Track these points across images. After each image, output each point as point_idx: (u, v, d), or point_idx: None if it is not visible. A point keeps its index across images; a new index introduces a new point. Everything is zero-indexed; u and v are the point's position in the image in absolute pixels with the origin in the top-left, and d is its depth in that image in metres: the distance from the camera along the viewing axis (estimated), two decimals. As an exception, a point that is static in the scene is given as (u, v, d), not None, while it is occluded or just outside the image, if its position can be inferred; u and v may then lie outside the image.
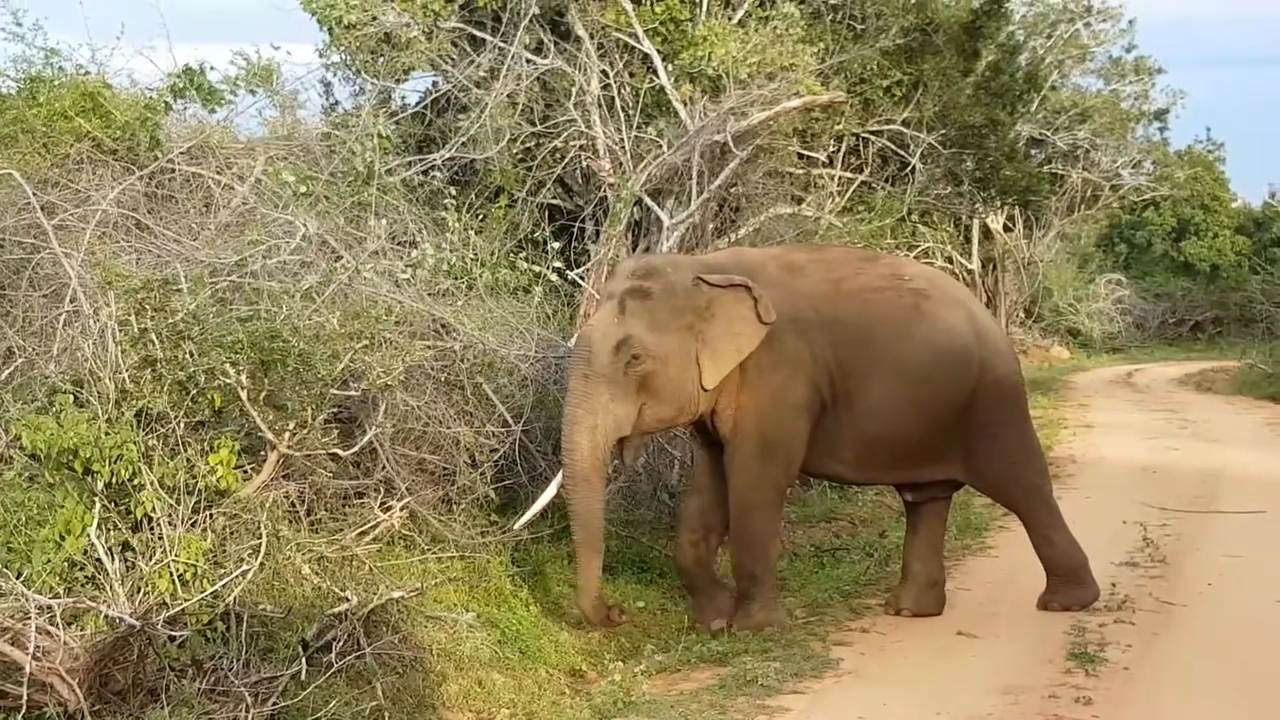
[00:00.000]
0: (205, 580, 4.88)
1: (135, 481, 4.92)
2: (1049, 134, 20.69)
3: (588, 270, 9.27)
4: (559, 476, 6.30)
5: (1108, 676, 5.50)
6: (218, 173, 7.51)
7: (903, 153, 12.87)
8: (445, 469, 6.62)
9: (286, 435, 5.49)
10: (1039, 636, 6.12)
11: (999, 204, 16.71)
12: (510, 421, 7.17)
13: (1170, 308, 31.15)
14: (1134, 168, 24.91)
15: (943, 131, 12.47)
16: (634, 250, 9.78)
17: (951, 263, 17.73)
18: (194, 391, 5.24)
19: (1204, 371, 22.12)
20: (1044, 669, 5.60)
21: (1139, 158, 25.21)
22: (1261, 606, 6.62)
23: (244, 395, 5.31)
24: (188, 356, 5.26)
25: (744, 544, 6.33)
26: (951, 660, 5.81)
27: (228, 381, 5.28)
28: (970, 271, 19.39)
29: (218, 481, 5.10)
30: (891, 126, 12.37)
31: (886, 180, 13.03)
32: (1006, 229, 20.80)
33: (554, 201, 10.68)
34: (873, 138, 12.56)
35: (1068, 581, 6.60)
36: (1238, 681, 5.41)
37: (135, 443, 4.93)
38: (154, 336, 5.26)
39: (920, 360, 6.35)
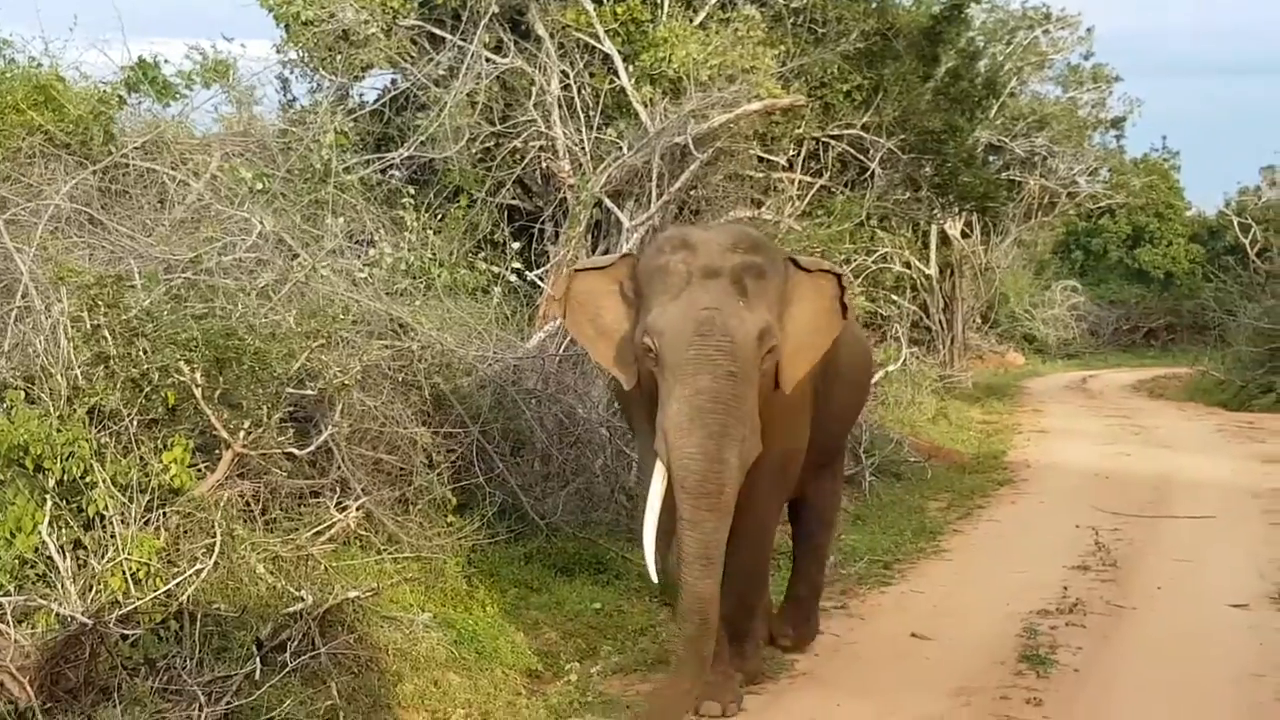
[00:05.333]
0: (158, 579, 4.82)
1: (87, 479, 4.86)
2: (1007, 140, 20.84)
3: (547, 271, 9.27)
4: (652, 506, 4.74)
5: (1058, 678, 5.53)
6: (172, 168, 7.46)
7: (862, 157, 12.95)
8: (402, 469, 6.59)
9: (241, 434, 5.44)
10: (991, 639, 6.15)
11: (957, 210, 16.84)
12: (468, 422, 7.15)
13: (1124, 314, 31.55)
14: (1090, 175, 25.10)
15: (902, 137, 12.57)
16: (594, 252, 9.76)
17: (909, 268, 17.85)
18: (147, 389, 5.18)
19: (1157, 378, 22.39)
20: (996, 671, 5.63)
21: (1095, 165, 25.42)
22: (1210, 610, 6.68)
23: (198, 393, 5.26)
24: (141, 354, 5.20)
25: (757, 577, 5.41)
26: (905, 662, 5.83)
27: (182, 379, 5.22)
28: (928, 277, 19.51)
29: (171, 480, 5.05)
30: (851, 131, 12.44)
31: (846, 185, 13.11)
32: (964, 235, 20.90)
33: (514, 202, 10.68)
34: (833, 142, 12.63)
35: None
36: (1186, 683, 5.44)
37: (87, 440, 4.88)
38: (107, 333, 5.20)
39: (862, 354, 6.24)
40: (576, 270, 5.16)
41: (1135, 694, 5.35)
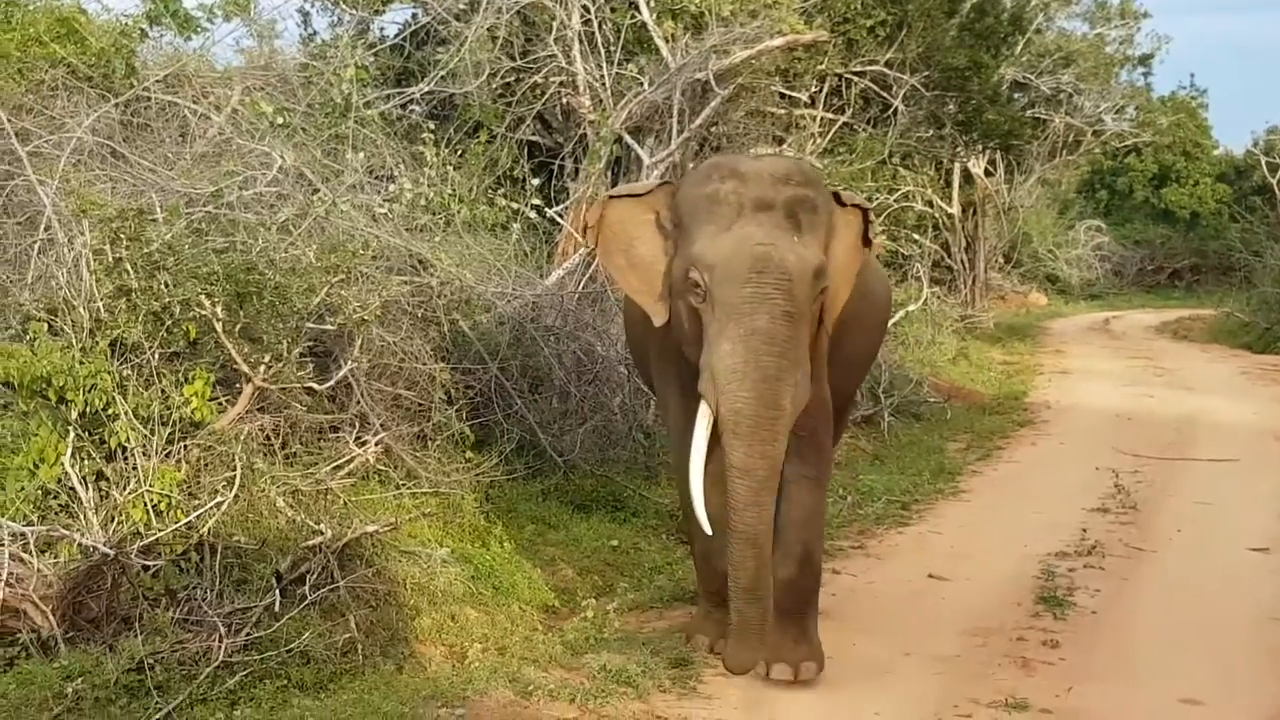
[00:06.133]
0: (179, 511, 4.88)
1: (109, 411, 4.91)
2: (1033, 78, 20.57)
3: (566, 208, 9.23)
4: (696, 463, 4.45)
5: (1075, 620, 5.55)
6: (194, 102, 7.44)
7: (885, 94, 12.83)
8: (420, 405, 6.61)
9: (262, 368, 5.47)
10: (1009, 580, 6.16)
11: (981, 148, 16.69)
12: (486, 359, 7.17)
13: (1149, 255, 31.25)
14: (1117, 113, 24.79)
15: (925, 74, 12.44)
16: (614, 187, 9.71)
17: (932, 206, 17.73)
18: (169, 322, 5.20)
19: (1181, 319, 22.23)
20: (1012, 612, 5.65)
21: (1122, 103, 25.10)
22: (1229, 553, 6.69)
23: (219, 327, 5.28)
24: (163, 287, 5.22)
25: (813, 555, 4.91)
26: (922, 602, 5.86)
27: (203, 313, 5.25)
28: (950, 216, 19.39)
29: (192, 413, 5.10)
30: (874, 68, 12.32)
31: (868, 122, 13.00)
32: (987, 174, 20.73)
33: (534, 138, 10.62)
34: (855, 79, 12.51)
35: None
36: (1203, 627, 5.46)
37: (109, 372, 4.92)
38: (129, 266, 5.21)
39: (882, 296, 5.81)
40: (610, 197, 4.85)
41: (1152, 637, 5.37)
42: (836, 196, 4.67)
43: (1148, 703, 4.64)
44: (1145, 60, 25.42)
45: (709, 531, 4.47)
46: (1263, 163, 28.34)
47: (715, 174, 4.51)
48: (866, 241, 4.78)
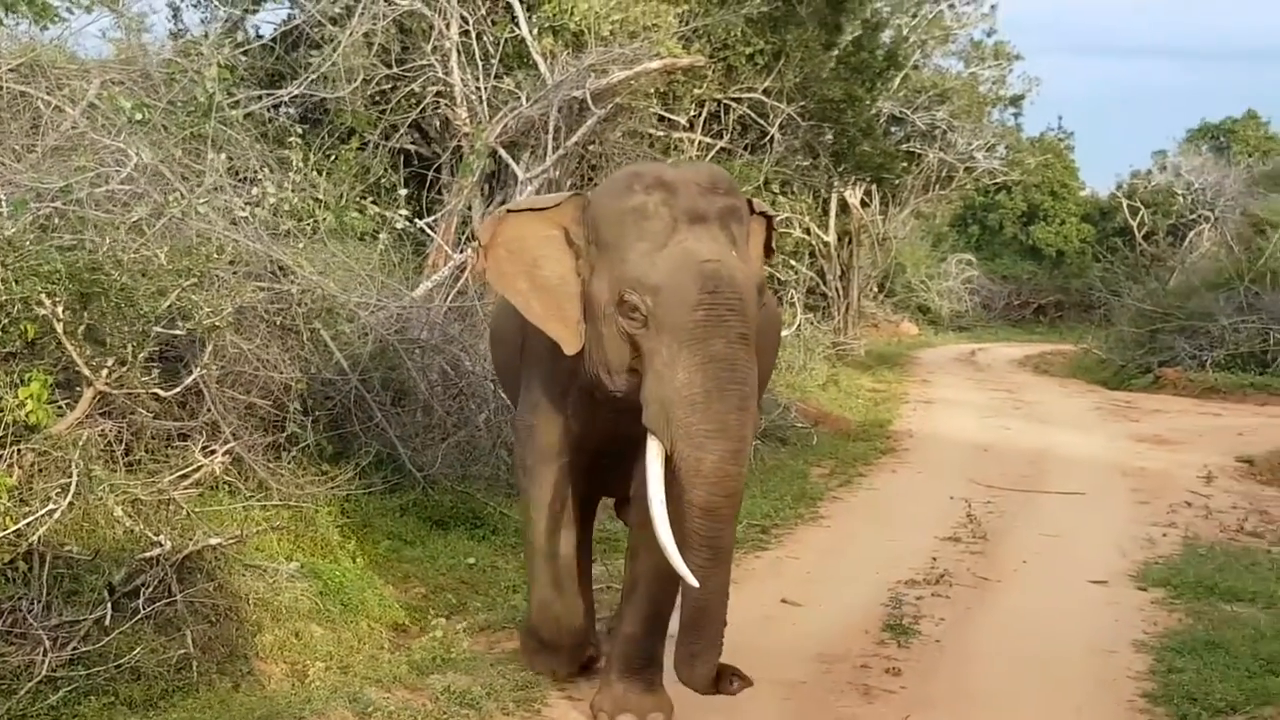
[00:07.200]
0: (8, 518, 4.66)
1: (-63, 412, 4.69)
2: (909, 112, 21.02)
3: (438, 219, 9.13)
4: (654, 489, 3.96)
5: (919, 649, 5.60)
6: (48, 94, 7.17)
7: (762, 122, 12.95)
8: (276, 415, 6.45)
9: (105, 371, 5.29)
10: (858, 607, 6.20)
11: (854, 179, 16.97)
12: (348, 370, 7.03)
13: (1016, 290, 32.19)
14: (988, 151, 25.46)
15: (802, 104, 12.59)
16: (488, 204, 9.62)
17: (809, 234, 17.96)
18: (5, 321, 4.99)
19: (1043, 354, 22.89)
20: (859, 639, 5.68)
21: (993, 141, 25.77)
22: (1070, 585, 6.81)
23: (59, 328, 5.08)
24: (0, 284, 5.01)
25: (663, 614, 4.63)
26: (772, 627, 5.85)
27: (43, 312, 5.04)
28: (826, 244, 19.66)
29: (27, 416, 4.88)
30: (753, 95, 12.44)
31: (746, 148, 13.12)
32: (864, 204, 21.11)
33: (412, 147, 10.49)
34: (734, 105, 12.60)
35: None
36: (1039, 657, 5.53)
37: (-61, 372, 4.70)
38: (-36, 261, 4.99)
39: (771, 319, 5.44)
40: (509, 211, 4.34)
41: (992, 666, 5.43)
42: (749, 204, 4.30)
43: (982, 733, 4.70)
44: (1016, 101, 26.15)
45: (695, 584, 3.93)
46: (1124, 205, 29.33)
47: (637, 184, 4.04)
48: (769, 251, 4.47)
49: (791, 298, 15.55)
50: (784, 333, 13.22)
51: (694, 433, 3.82)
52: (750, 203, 4.28)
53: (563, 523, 4.53)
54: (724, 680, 4.23)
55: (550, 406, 4.47)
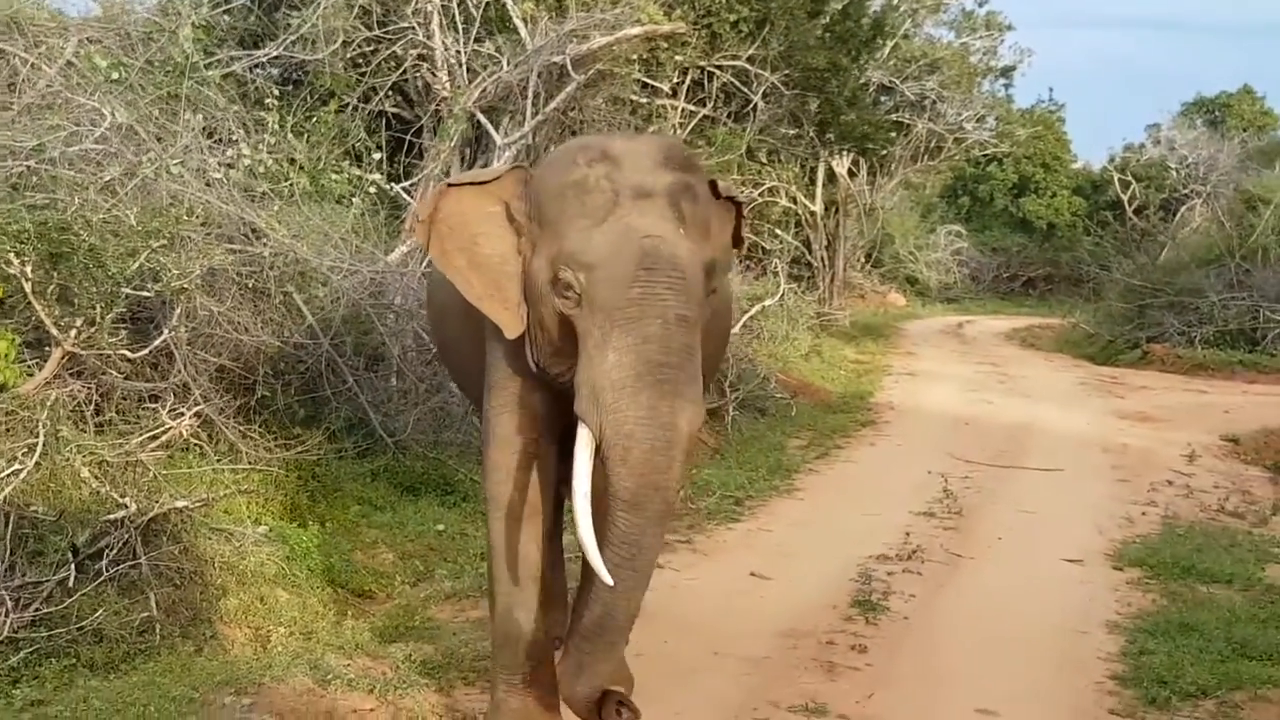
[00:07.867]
0: (-28, 477, 4.66)
1: (-99, 371, 4.68)
2: (898, 82, 20.93)
3: (415, 184, 9.07)
4: (580, 501, 3.57)
5: (886, 625, 5.60)
6: (25, 51, 7.11)
7: (746, 90, 12.87)
8: (247, 378, 6.43)
9: (74, 332, 5.27)
10: (828, 582, 6.18)
11: (837, 149, 16.88)
12: (320, 334, 7.00)
13: (1005, 262, 32.09)
14: (978, 122, 25.37)
15: (786, 72, 12.50)
16: (466, 169, 9.55)
17: (795, 203, 17.90)
18: (-28, 281, 4.98)
19: (1031, 327, 22.78)
20: (827, 615, 5.67)
21: (983, 112, 25.69)
22: (1044, 563, 6.80)
23: (28, 287, 5.07)
24: (-33, 243, 4.99)
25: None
26: (740, 601, 5.86)
27: (11, 272, 5.03)
28: (813, 213, 19.60)
29: (-6, 376, 4.88)
30: (736, 63, 12.35)
31: (729, 116, 13.06)
32: (851, 174, 21.02)
33: (395, 110, 10.41)
34: (718, 72, 12.52)
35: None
36: (1009, 636, 5.53)
37: (-97, 331, 4.68)
38: (-68, 219, 4.97)
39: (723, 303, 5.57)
40: (448, 185, 4.05)
41: (959, 645, 5.41)
42: (713, 186, 3.98)
43: (945, 712, 4.68)
44: (1007, 72, 26.08)
45: (609, 582, 3.54)
46: (1116, 179, 29.27)
47: (581, 157, 3.76)
48: (738, 241, 4.14)
49: (775, 267, 15.51)
50: (767, 302, 13.24)
51: (622, 419, 3.53)
52: (715, 185, 4.00)
53: (525, 517, 4.17)
54: (607, 706, 3.75)
55: (511, 389, 4.14)
